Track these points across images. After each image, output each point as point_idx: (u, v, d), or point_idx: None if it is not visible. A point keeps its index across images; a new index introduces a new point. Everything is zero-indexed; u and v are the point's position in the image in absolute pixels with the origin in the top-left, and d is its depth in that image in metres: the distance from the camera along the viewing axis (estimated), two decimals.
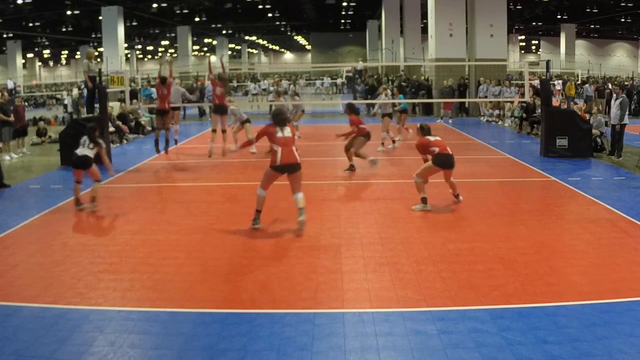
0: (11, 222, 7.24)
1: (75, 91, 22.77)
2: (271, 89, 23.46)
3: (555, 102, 17.40)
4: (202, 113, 22.51)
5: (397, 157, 11.94)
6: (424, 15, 26.48)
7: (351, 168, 10.38)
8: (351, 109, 10.46)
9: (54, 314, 4.49)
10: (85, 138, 8.02)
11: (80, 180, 7.91)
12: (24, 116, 14.01)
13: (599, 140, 12.08)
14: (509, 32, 28.35)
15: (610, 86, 21.83)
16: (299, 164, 6.64)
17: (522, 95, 16.11)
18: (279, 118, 6.69)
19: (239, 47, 61.24)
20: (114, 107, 15.91)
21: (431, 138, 7.62)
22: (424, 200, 7.51)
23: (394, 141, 13.05)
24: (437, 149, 7.44)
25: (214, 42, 52.58)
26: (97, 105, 12.68)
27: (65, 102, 23.53)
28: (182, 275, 5.36)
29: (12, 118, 12.61)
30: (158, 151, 11.75)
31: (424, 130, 7.72)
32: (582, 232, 6.52)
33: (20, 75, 40.35)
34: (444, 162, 7.47)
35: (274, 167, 6.58)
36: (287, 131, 6.62)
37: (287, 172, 6.60)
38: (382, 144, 12.88)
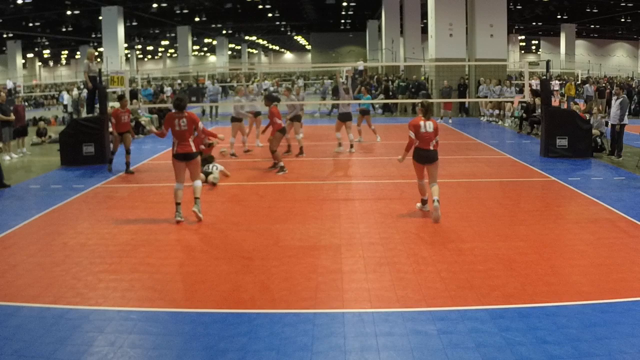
0: (11, 222, 7.24)
1: (75, 91, 22.76)
2: (271, 89, 23.49)
3: (555, 102, 17.42)
4: (202, 112, 22.51)
5: (397, 157, 11.93)
6: (424, 15, 26.50)
7: (276, 166, 10.32)
8: (271, 100, 10.31)
9: (54, 314, 4.49)
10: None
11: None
12: (24, 116, 14.01)
13: (599, 140, 12.08)
14: (509, 32, 28.36)
15: (612, 86, 21.82)
16: (194, 152, 7.20)
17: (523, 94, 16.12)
18: (176, 103, 7.30)
19: (239, 47, 61.29)
20: (115, 107, 15.90)
21: (422, 127, 7.06)
22: (423, 202, 7.51)
23: (351, 145, 12.52)
24: (417, 142, 7.11)
25: (214, 42, 52.64)
26: (97, 106, 12.69)
27: (65, 102, 23.55)
28: (182, 275, 5.36)
29: (12, 117, 12.58)
30: None
31: (424, 108, 7.26)
32: (582, 232, 6.52)
33: (20, 75, 40.37)
34: (422, 157, 7.10)
35: (173, 156, 7.22)
36: (184, 123, 7.12)
37: (184, 160, 7.16)
38: (340, 144, 12.47)
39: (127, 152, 10.58)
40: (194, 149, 7.19)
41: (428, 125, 7.09)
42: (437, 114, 19.72)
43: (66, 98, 23.55)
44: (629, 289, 4.82)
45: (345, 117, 12.31)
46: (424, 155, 7.09)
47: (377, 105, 23.12)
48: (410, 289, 4.90)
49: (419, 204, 7.56)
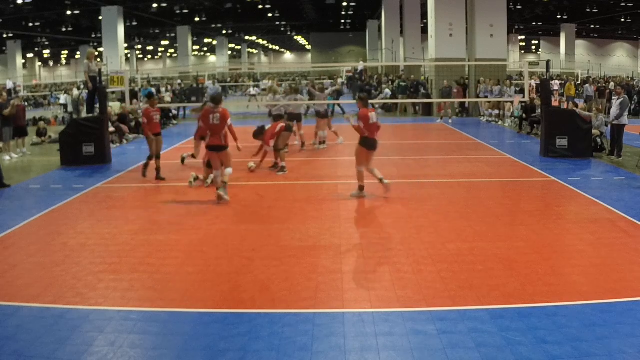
0: (11, 222, 7.24)
1: (75, 91, 22.76)
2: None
3: (555, 102, 17.40)
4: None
5: (398, 157, 11.95)
6: (424, 15, 26.50)
7: (276, 166, 10.36)
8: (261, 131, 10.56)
9: (54, 314, 4.49)
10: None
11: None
12: (23, 116, 13.98)
13: (599, 140, 12.08)
14: (509, 32, 28.35)
15: (613, 85, 21.79)
16: (223, 145, 8.03)
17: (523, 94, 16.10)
18: (212, 97, 8.33)
19: (239, 47, 61.28)
20: (114, 107, 15.92)
21: (371, 118, 8.03)
22: (360, 188, 8.22)
23: (323, 142, 13.16)
24: (367, 133, 8.03)
25: (214, 42, 52.64)
26: (97, 106, 12.69)
27: (61, 102, 23.58)
28: (182, 275, 5.36)
29: (12, 106, 12.54)
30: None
31: (364, 101, 8.24)
32: (582, 232, 6.52)
33: (20, 75, 40.36)
34: (371, 145, 8.12)
35: (206, 147, 8.20)
36: (217, 118, 7.94)
37: (215, 151, 8.06)
38: (322, 142, 13.16)
39: (157, 156, 9.93)
40: (222, 142, 8.02)
41: (375, 117, 8.14)
42: (437, 114, 19.74)
43: (63, 98, 23.57)
44: (629, 289, 4.82)
45: (320, 115, 13.13)
46: (374, 144, 8.14)
47: (377, 105, 23.13)
48: (410, 289, 4.90)
49: (355, 192, 8.22)
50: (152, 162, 9.99)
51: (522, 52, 58.86)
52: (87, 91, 14.47)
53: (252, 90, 29.73)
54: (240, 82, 38.43)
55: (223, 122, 7.94)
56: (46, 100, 32.31)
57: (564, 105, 16.97)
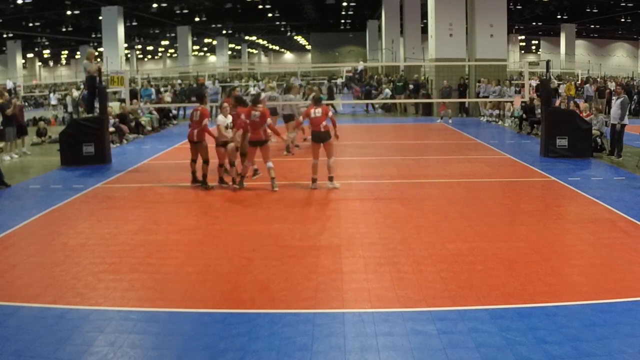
0: (11, 222, 7.23)
1: (75, 92, 22.75)
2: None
3: (556, 102, 17.37)
4: None
5: (398, 157, 11.95)
6: (424, 15, 26.49)
7: (256, 173, 9.76)
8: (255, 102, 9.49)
9: (54, 314, 4.49)
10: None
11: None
12: (21, 116, 13.95)
13: (599, 140, 12.08)
14: (509, 32, 28.32)
15: (614, 85, 21.78)
16: (264, 140, 8.75)
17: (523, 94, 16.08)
18: (253, 98, 9.25)
19: (239, 47, 61.27)
20: (114, 107, 15.91)
21: (312, 113, 8.71)
22: (313, 180, 8.83)
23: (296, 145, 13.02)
24: (312, 127, 8.74)
25: (214, 42, 52.64)
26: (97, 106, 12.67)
27: (52, 102, 23.65)
28: (182, 275, 5.36)
29: (14, 106, 12.57)
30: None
31: (314, 100, 8.98)
32: (582, 232, 6.52)
33: (20, 75, 40.33)
34: (316, 137, 8.75)
35: (249, 142, 8.89)
36: (257, 115, 8.68)
37: (256, 145, 8.76)
38: (305, 139, 13.12)
39: (207, 161, 9.16)
40: (263, 137, 8.72)
41: (317, 112, 8.71)
42: (437, 114, 19.74)
43: (53, 98, 23.69)
44: (629, 289, 4.82)
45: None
46: (317, 136, 8.73)
47: (377, 106, 23.15)
48: (410, 289, 4.90)
49: (310, 184, 8.79)
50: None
51: (522, 52, 58.84)
52: (86, 91, 14.46)
53: (253, 90, 29.69)
54: (234, 83, 38.18)
55: (263, 120, 8.67)
56: (46, 100, 32.32)
57: (564, 105, 16.97)
